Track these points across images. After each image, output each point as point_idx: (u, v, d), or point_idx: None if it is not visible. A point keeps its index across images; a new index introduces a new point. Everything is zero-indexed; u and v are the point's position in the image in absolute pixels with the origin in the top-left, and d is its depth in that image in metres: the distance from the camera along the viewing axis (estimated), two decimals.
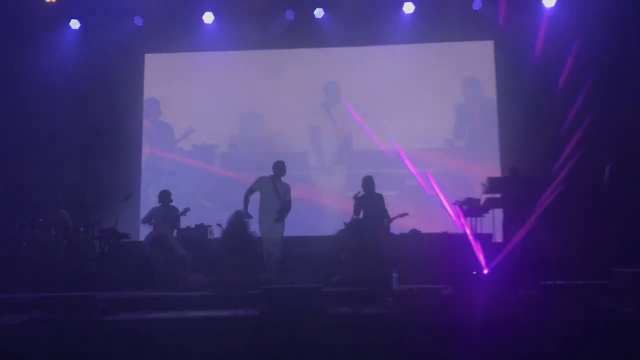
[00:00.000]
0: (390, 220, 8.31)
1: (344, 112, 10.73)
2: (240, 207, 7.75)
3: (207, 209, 10.19)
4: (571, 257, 7.23)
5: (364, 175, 8.34)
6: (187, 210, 8.38)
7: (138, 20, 10.81)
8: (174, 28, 10.77)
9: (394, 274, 6.82)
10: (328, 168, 10.80)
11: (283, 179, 7.99)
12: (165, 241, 7.69)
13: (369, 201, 8.17)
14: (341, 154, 10.82)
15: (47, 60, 10.45)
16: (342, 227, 8.17)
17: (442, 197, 9.37)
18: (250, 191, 7.89)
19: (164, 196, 8.48)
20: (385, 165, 10.31)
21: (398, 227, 8.66)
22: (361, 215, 8.13)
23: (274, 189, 7.81)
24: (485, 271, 5.92)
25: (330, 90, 10.92)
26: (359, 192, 8.15)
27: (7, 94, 10.00)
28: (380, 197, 8.26)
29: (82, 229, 8.84)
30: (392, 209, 8.43)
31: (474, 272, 5.90)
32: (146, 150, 11.00)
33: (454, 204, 8.75)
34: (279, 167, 7.94)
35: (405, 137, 10.46)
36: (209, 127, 10.92)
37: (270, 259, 7.69)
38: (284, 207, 7.83)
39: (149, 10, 10.66)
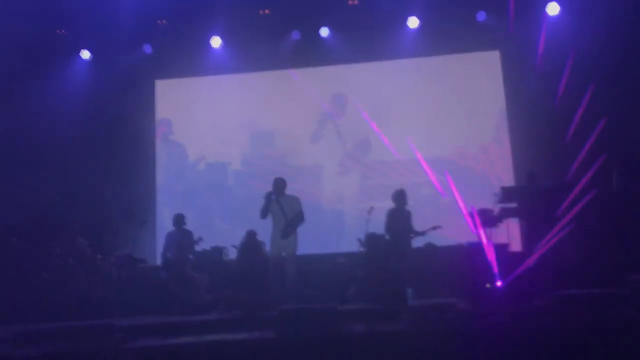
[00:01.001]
0: (420, 234, 8.19)
1: (351, 124, 10.82)
2: (253, 226, 7.79)
3: (222, 229, 10.29)
4: (587, 265, 7.18)
5: (396, 189, 8.28)
6: (200, 239, 8.45)
7: (147, 48, 11.02)
8: (183, 54, 10.94)
9: (409, 290, 6.83)
10: (340, 180, 10.82)
11: (289, 192, 7.94)
12: (180, 265, 7.77)
13: (400, 216, 8.12)
14: (352, 165, 10.84)
15: (59, 90, 10.65)
16: (357, 243, 8.21)
17: (458, 200, 9.28)
18: (261, 214, 7.84)
19: (178, 220, 8.56)
20: (396, 175, 10.38)
21: (414, 241, 8.58)
22: (390, 231, 8.04)
23: (278, 205, 7.77)
24: (499, 283, 5.90)
25: (338, 101, 11.00)
26: (371, 208, 8.14)
27: (21, 123, 10.16)
28: (409, 213, 8.21)
29: (99, 255, 8.94)
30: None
31: (488, 285, 5.87)
32: (159, 172, 11.16)
33: (469, 213, 8.72)
34: (277, 184, 7.88)
35: (416, 146, 10.46)
36: (221, 146, 11.05)
37: (284, 277, 7.66)
38: (291, 222, 7.74)
39: (158, 38, 10.88)
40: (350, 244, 8.86)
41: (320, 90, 10.99)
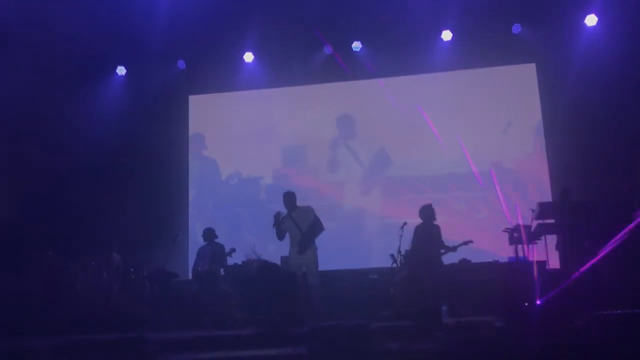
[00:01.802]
0: (451, 249, 7.99)
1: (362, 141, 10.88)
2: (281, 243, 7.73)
3: (253, 244, 10.25)
4: (627, 285, 6.93)
5: (423, 204, 8.11)
6: (232, 250, 8.43)
7: (181, 64, 11.18)
8: (216, 69, 11.08)
9: (444, 307, 6.67)
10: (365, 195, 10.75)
11: (301, 205, 7.78)
12: (211, 279, 7.76)
13: (428, 231, 7.97)
14: (375, 179, 10.79)
15: (96, 105, 10.87)
16: (390, 259, 8.08)
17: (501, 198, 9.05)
18: (277, 236, 7.71)
19: (208, 234, 8.57)
20: (415, 191, 10.29)
21: (447, 256, 8.45)
22: (418, 247, 7.91)
23: (291, 220, 7.61)
24: (538, 302, 5.72)
25: (345, 122, 11.00)
26: (404, 224, 8.03)
27: (57, 138, 10.37)
28: (437, 228, 8.06)
29: (132, 269, 9.01)
30: None
31: (526, 303, 5.70)
32: (192, 187, 11.24)
33: (505, 230, 8.54)
34: (286, 199, 7.72)
35: (451, 162, 10.41)
36: (253, 161, 11.10)
37: (308, 293, 7.48)
38: (305, 235, 7.51)
39: (192, 54, 11.05)
40: (381, 260, 8.73)
41: (352, 105, 10.99)
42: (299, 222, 7.56)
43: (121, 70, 11.30)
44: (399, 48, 10.52)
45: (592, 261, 6.81)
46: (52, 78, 10.14)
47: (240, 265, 8.89)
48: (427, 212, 8.01)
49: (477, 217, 10.23)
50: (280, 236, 7.67)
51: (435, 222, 8.05)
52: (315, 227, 7.58)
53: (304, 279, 7.53)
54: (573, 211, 7.59)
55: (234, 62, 11.11)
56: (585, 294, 6.35)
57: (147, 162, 10.80)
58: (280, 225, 7.62)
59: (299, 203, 7.81)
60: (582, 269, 6.82)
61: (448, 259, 8.41)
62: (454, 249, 8.00)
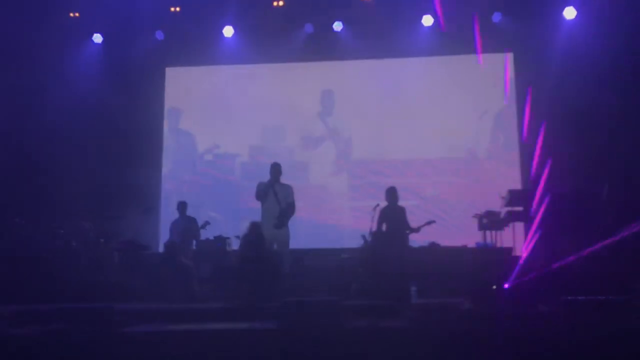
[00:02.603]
0: (415, 230, 8.14)
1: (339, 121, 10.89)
2: (255, 218, 7.69)
3: (226, 220, 10.25)
4: (594, 272, 7.10)
5: (388, 187, 8.23)
6: (206, 224, 8.36)
7: (159, 35, 10.97)
8: (195, 42, 10.90)
9: (413, 288, 6.76)
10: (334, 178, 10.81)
11: (283, 180, 7.70)
12: (170, 251, 7.73)
13: (393, 213, 8.09)
14: (341, 163, 10.86)
15: (70, 72, 10.65)
16: (361, 240, 8.15)
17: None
18: (258, 197, 7.61)
19: (181, 207, 8.49)
20: (389, 174, 10.33)
21: (417, 239, 8.55)
22: (384, 228, 8.04)
23: (273, 193, 7.53)
24: (506, 286, 5.84)
25: (327, 98, 11.00)
26: (377, 205, 8.09)
27: (31, 105, 10.16)
28: (402, 210, 8.18)
29: (102, 240, 8.92)
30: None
31: (494, 287, 5.81)
32: (166, 160, 11.13)
33: (474, 216, 8.68)
34: (275, 169, 7.62)
35: (425, 147, 10.52)
36: (230, 138, 11.02)
37: (278, 270, 7.46)
38: (285, 211, 7.48)
39: (170, 25, 10.83)
40: (352, 240, 8.80)
41: (330, 85, 10.97)
42: (280, 197, 7.48)
43: (97, 39, 11.04)
44: (380, 31, 10.51)
45: (552, 247, 6.95)
46: (27, 42, 9.88)
47: (212, 240, 8.86)
48: (392, 194, 8.11)
49: (449, 203, 10.35)
50: (262, 197, 7.54)
51: (400, 204, 8.13)
52: (292, 208, 7.56)
53: (276, 255, 7.52)
54: (542, 199, 7.71)
55: (213, 36, 10.94)
56: (551, 280, 6.50)
57: (121, 133, 10.59)
58: (264, 190, 7.52)
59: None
60: (544, 256, 6.96)
61: (418, 242, 8.53)
62: (417, 229, 8.15)
